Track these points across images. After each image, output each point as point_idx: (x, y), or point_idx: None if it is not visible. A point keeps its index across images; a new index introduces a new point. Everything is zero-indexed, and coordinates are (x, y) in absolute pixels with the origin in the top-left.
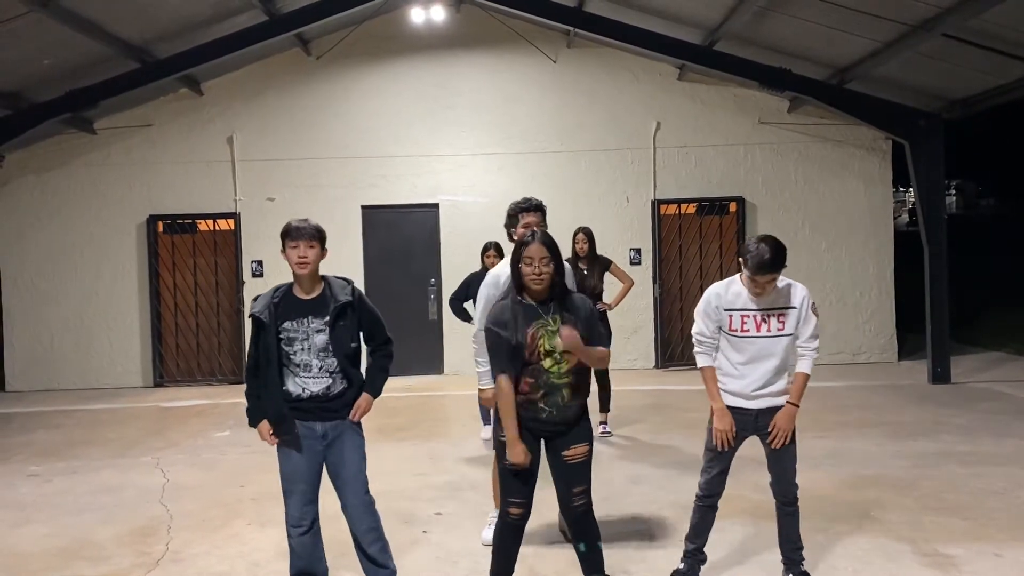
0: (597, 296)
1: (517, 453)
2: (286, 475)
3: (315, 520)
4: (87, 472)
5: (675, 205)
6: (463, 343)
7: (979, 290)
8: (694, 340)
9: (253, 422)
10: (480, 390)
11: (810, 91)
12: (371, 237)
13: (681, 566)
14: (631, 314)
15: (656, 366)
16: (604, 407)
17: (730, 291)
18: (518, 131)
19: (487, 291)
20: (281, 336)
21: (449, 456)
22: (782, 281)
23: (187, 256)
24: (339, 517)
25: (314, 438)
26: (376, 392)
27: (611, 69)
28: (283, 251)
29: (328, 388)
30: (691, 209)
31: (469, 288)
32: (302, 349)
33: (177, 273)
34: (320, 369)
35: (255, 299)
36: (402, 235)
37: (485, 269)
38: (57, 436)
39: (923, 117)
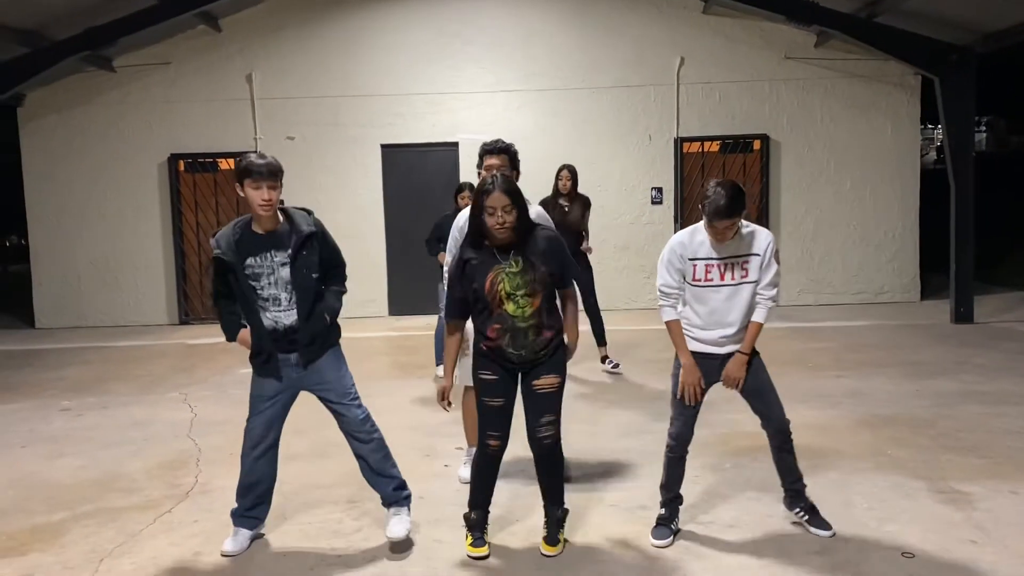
0: (578, 233)
1: (438, 394)
2: (256, 396)
3: (272, 446)
4: (117, 407)
5: (698, 143)
6: None
7: (1007, 229)
8: (658, 292)
9: (231, 336)
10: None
11: (838, 25)
12: (390, 176)
13: (663, 511)
14: (651, 255)
15: None
16: (600, 341)
17: (694, 240)
18: (539, 68)
19: (459, 234)
20: (247, 272)
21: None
22: (746, 228)
23: (209, 195)
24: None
25: (289, 366)
26: (331, 311)
27: (635, 3)
28: (241, 188)
29: (295, 320)
30: (714, 147)
31: (441, 230)
32: (269, 284)
33: (199, 212)
34: (289, 301)
35: (215, 235)
36: (421, 174)
37: (457, 210)
38: (87, 372)
39: (954, 51)
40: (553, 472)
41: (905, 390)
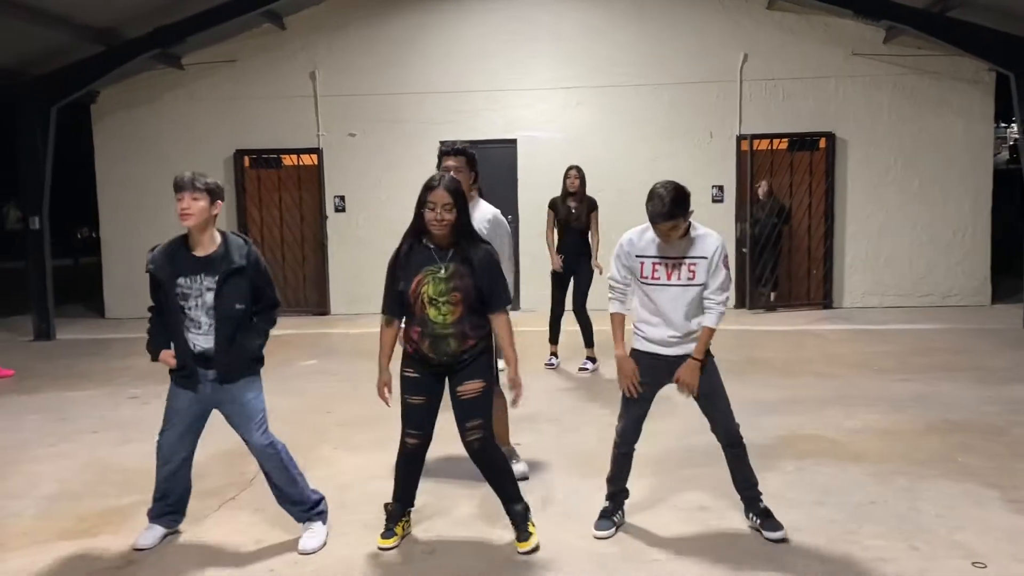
0: (582, 232)
1: (379, 385)
2: (172, 409)
3: (185, 461)
4: None
5: (761, 141)
6: (540, 279)
7: None
8: (608, 285)
9: (154, 355)
10: None
11: (909, 20)
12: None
13: (608, 504)
14: None
15: (740, 306)
16: (587, 343)
17: (644, 238)
18: (599, 64)
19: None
20: (177, 291)
21: (526, 389)
22: (698, 230)
23: (272, 191)
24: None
25: (207, 381)
26: (247, 351)
27: None
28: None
29: (214, 346)
30: (782, 145)
31: None
32: (195, 306)
33: (263, 207)
34: (209, 327)
35: (152, 249)
36: (480, 171)
37: None
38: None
39: None
40: (493, 471)
41: (975, 395)
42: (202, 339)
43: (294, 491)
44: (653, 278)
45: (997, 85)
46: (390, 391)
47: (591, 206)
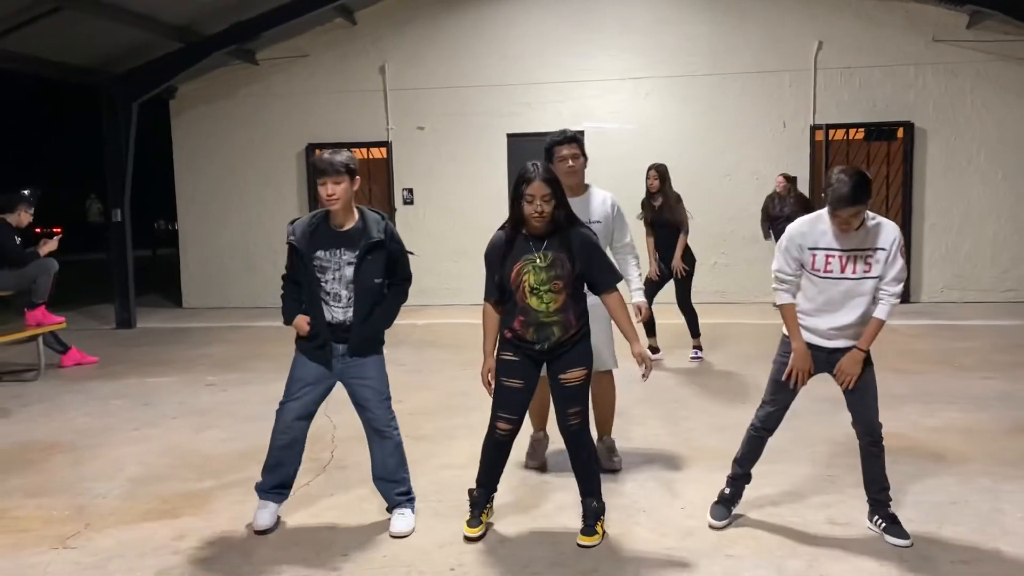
0: (676, 227)
1: (483, 371)
2: (296, 379)
3: (302, 432)
4: (258, 383)
5: (837, 131)
6: None
7: None
8: (773, 277)
9: (289, 319)
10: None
11: (995, 3)
12: (515, 165)
13: (726, 489)
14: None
15: None
16: (693, 333)
17: (816, 228)
18: (668, 54)
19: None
20: (315, 264)
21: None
22: (872, 220)
23: None
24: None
25: (338, 356)
26: (381, 324)
27: None
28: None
29: (351, 318)
30: (856, 135)
31: None
32: (333, 279)
33: None
34: (348, 300)
35: (292, 222)
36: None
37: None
38: (229, 350)
39: None
40: (582, 458)
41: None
42: (340, 312)
43: (398, 473)
44: (826, 271)
45: None
46: (494, 377)
47: (676, 199)
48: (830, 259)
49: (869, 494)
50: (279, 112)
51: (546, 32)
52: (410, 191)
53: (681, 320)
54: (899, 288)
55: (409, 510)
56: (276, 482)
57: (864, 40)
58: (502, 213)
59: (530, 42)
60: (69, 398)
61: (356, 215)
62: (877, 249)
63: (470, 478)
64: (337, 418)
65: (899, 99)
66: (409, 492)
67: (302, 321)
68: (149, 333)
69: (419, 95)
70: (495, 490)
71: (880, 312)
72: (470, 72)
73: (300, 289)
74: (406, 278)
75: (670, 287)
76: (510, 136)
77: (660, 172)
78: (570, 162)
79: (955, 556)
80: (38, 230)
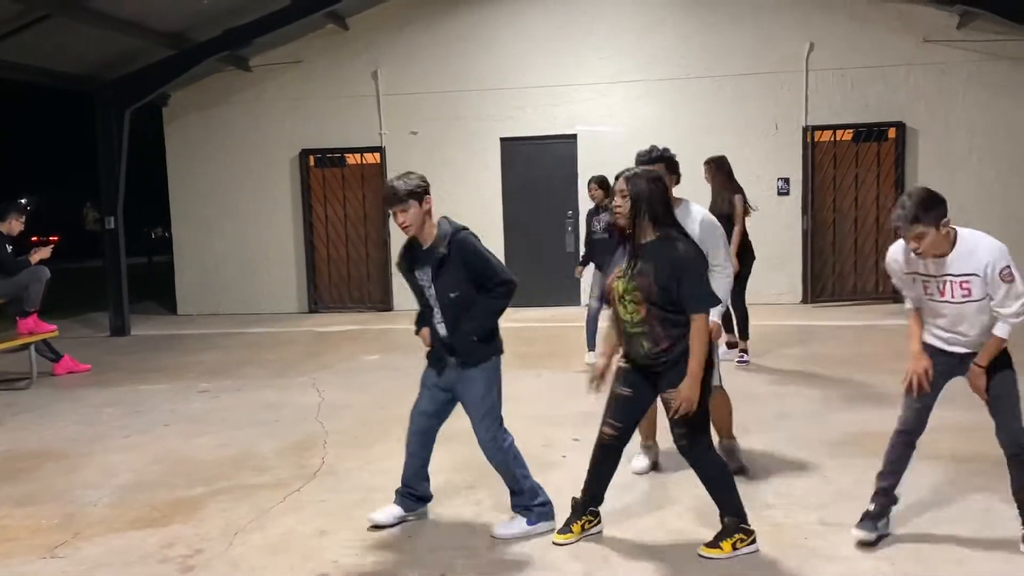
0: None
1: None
2: (421, 386)
3: (423, 441)
4: (251, 390)
5: (829, 132)
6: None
7: None
8: None
9: (417, 329)
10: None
11: (985, 3)
12: (509, 169)
13: (871, 507)
14: (776, 246)
15: (804, 301)
16: (742, 334)
17: (906, 252)
18: (660, 57)
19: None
20: (418, 283)
21: (585, 385)
22: (964, 242)
23: (337, 189)
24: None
25: (450, 366)
26: (467, 334)
27: None
28: None
29: (447, 332)
30: (847, 136)
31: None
32: (430, 295)
33: (328, 205)
34: (441, 315)
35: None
36: (540, 167)
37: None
38: (223, 356)
39: None
40: (699, 475)
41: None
42: (440, 326)
43: (514, 484)
44: (927, 294)
45: None
46: (601, 382)
47: (727, 198)
48: (927, 284)
49: (1016, 499)
50: (272, 118)
51: (538, 36)
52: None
53: None
54: (1015, 308)
55: (522, 519)
56: (405, 479)
57: (855, 41)
58: (496, 216)
59: (522, 46)
60: (61, 406)
61: (434, 232)
62: (969, 275)
63: (458, 482)
64: (329, 424)
65: (891, 100)
66: (527, 501)
67: (424, 333)
68: (143, 340)
69: (412, 100)
70: (599, 502)
71: (998, 331)
72: (463, 76)
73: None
74: (499, 283)
75: None
76: (503, 140)
77: (714, 166)
78: None
79: (948, 555)
80: (35, 239)
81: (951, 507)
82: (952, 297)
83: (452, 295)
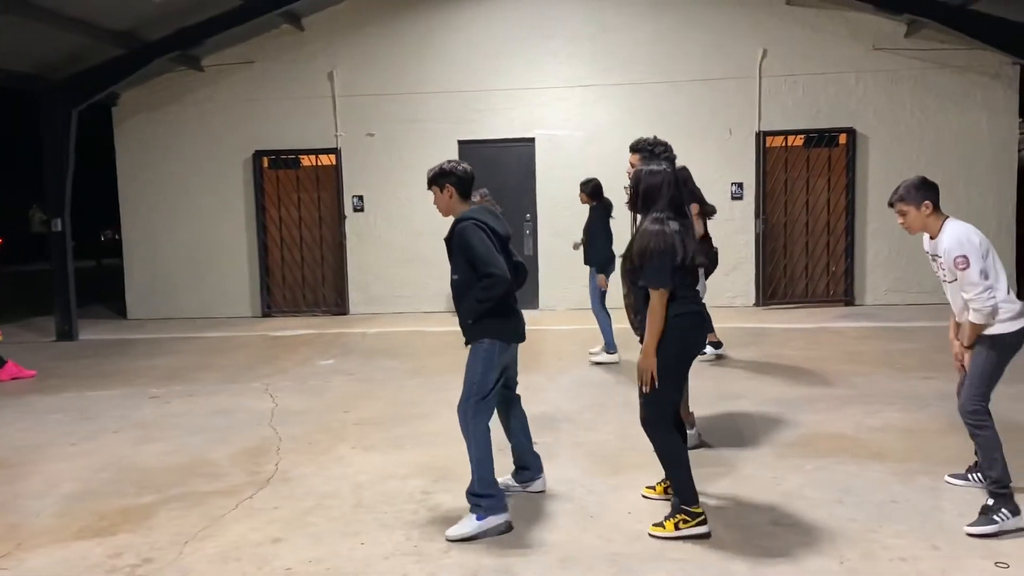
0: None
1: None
2: None
3: (505, 416)
4: (203, 395)
5: (781, 137)
6: (558, 279)
7: None
8: None
9: None
10: None
11: (931, 13)
12: None
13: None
14: (730, 249)
15: (756, 304)
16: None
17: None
18: (616, 62)
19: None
20: None
21: (544, 388)
22: (946, 229)
23: (291, 191)
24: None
25: None
26: (462, 313)
27: None
28: None
29: None
30: (798, 141)
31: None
32: None
33: (282, 207)
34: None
35: None
36: (498, 170)
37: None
38: (175, 362)
39: None
40: (657, 454)
41: (999, 393)
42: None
43: (471, 464)
44: (936, 273)
45: (1021, 78)
46: None
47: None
48: (933, 263)
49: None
50: (225, 119)
51: (497, 40)
52: (360, 198)
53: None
54: (973, 294)
55: (472, 516)
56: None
57: (807, 48)
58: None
59: (481, 49)
60: (4, 413)
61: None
62: (938, 256)
63: (415, 488)
64: (282, 430)
65: (841, 106)
66: (476, 498)
67: None
68: (91, 345)
69: (369, 102)
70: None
71: (971, 316)
72: (421, 79)
73: None
74: (483, 275)
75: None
76: (461, 143)
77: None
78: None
79: (895, 554)
80: None
81: (899, 506)
82: (944, 277)
83: (454, 277)
